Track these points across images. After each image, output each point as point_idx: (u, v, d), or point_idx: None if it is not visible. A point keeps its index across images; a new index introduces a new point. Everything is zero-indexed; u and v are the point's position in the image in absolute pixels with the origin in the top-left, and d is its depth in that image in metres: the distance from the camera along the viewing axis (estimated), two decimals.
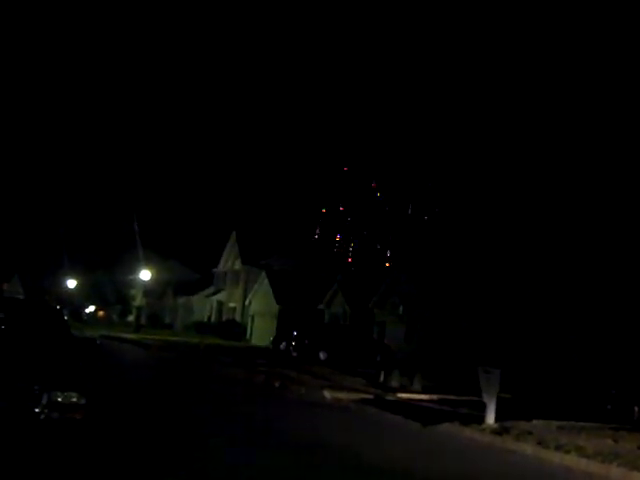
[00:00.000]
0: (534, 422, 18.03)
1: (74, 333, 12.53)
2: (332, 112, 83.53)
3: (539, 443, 15.22)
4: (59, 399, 9.29)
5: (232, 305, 66.78)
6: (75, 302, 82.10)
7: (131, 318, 75.59)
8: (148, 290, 76.90)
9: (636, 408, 21.16)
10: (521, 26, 48.56)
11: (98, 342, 11.86)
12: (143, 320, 70.03)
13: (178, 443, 12.17)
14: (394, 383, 26.70)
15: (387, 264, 47.78)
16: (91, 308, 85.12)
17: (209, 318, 68.66)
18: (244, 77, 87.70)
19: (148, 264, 66.31)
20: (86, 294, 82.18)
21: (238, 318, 63.91)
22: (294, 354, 40.59)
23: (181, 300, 76.29)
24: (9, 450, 9.11)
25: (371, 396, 23.24)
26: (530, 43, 46.58)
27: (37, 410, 9.22)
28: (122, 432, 12.69)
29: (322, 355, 38.63)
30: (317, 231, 62.96)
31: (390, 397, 23.62)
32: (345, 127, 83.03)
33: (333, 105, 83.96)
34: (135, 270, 70.21)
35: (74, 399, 9.36)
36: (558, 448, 14.73)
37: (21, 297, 56.38)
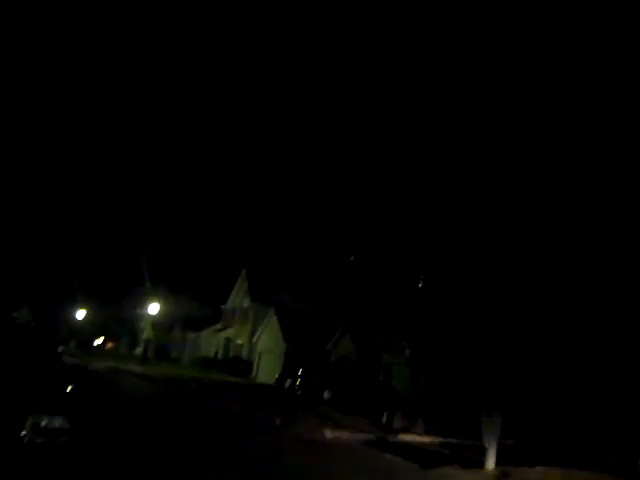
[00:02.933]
0: (537, 468, 17.66)
1: (67, 362, 12.43)
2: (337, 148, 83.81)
3: None
4: (43, 423, 9.18)
5: (239, 342, 66.49)
6: (84, 333, 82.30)
7: (139, 350, 75.53)
8: (157, 324, 76.95)
9: None
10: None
11: (89, 369, 11.70)
12: (150, 353, 69.82)
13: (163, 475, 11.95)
14: (397, 425, 26.41)
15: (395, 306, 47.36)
16: (100, 340, 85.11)
17: (216, 354, 68.40)
18: (255, 102, 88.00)
19: (158, 298, 66.40)
20: (95, 325, 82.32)
21: (245, 355, 63.58)
22: (298, 392, 40.29)
23: (189, 335, 76.11)
24: None
25: (372, 437, 22.96)
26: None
27: (22, 434, 9.10)
28: (106, 457, 12.50)
29: (326, 394, 38.28)
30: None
31: (392, 439, 23.33)
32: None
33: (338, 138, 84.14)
34: (144, 304, 70.29)
35: (58, 424, 9.25)
36: None
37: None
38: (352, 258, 57.57)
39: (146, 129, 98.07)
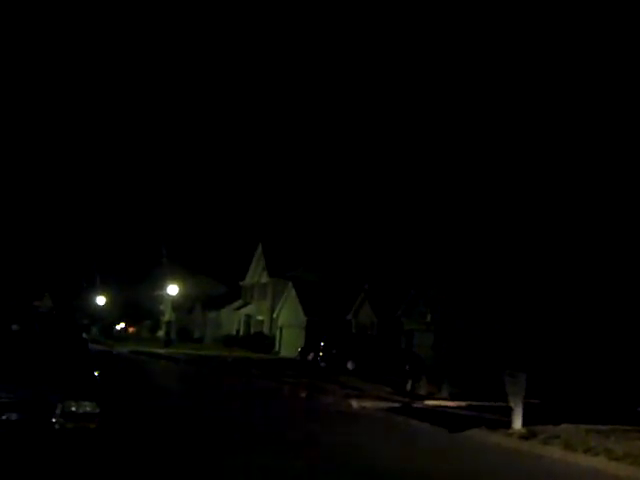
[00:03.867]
0: (562, 426, 17.67)
1: (92, 348, 12.56)
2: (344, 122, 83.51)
3: (567, 447, 14.93)
4: (73, 409, 9.28)
5: (260, 318, 66.78)
6: (105, 319, 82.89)
7: (161, 333, 76.03)
8: (177, 305, 77.34)
9: None
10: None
11: (114, 353, 11.82)
12: (173, 335, 70.27)
13: (195, 454, 12.08)
14: (422, 391, 26.51)
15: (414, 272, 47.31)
16: (121, 324, 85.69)
17: (237, 331, 68.73)
18: (264, 89, 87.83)
19: (176, 279, 66.66)
20: (116, 311, 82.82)
21: (266, 330, 63.89)
22: (322, 364, 40.46)
23: (210, 314, 76.47)
24: (25, 460, 9.14)
25: (398, 404, 23.05)
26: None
27: (52, 420, 9.21)
28: (137, 442, 12.67)
29: (350, 365, 38.46)
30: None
31: (417, 405, 23.41)
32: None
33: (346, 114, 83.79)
34: (163, 286, 70.60)
35: (88, 408, 9.34)
36: (586, 451, 14.44)
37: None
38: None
39: (160, 113, 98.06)
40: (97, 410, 9.39)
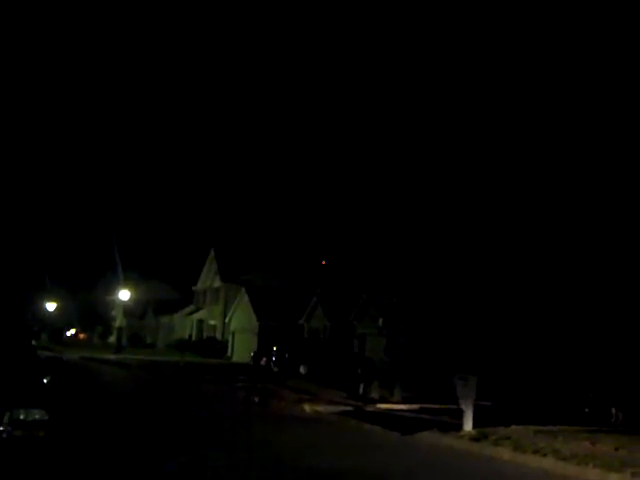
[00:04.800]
0: (512, 427, 17.94)
1: (41, 354, 12.42)
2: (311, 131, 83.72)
3: (516, 448, 15.14)
4: (21, 416, 9.17)
5: (213, 323, 66.54)
6: (55, 325, 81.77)
7: (112, 339, 75.25)
8: (129, 310, 76.61)
9: (613, 410, 21.21)
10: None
11: (64, 359, 11.70)
12: (124, 341, 69.63)
13: (144, 457, 12.02)
14: (374, 395, 26.62)
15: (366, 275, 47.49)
16: (72, 330, 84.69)
17: (190, 336, 68.37)
18: (210, 89, 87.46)
19: (128, 284, 66.11)
20: (67, 316, 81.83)
21: (219, 335, 63.67)
22: (275, 369, 40.46)
23: (162, 319, 75.99)
24: None
25: (351, 408, 23.15)
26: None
27: (0, 429, 9.09)
28: (86, 449, 12.56)
29: (302, 369, 38.52)
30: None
31: (370, 408, 23.52)
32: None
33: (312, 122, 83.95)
34: (115, 291, 69.94)
35: (37, 416, 9.24)
36: (535, 452, 14.66)
37: None
38: (324, 262, 57.39)
39: (112, 116, 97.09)
40: (46, 417, 9.29)
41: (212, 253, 67.34)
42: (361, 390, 27.50)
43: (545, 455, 14.32)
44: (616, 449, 15.25)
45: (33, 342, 12.67)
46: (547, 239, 33.54)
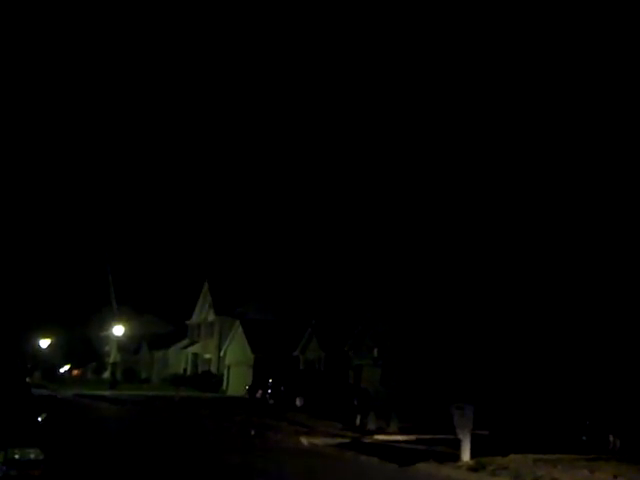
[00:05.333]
0: (511, 456, 17.86)
1: (35, 392, 12.33)
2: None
3: (515, 477, 15.09)
4: (16, 456, 9.07)
5: (207, 356, 66.26)
6: (49, 362, 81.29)
7: (107, 375, 74.78)
8: (123, 345, 76.17)
9: (611, 437, 21.12)
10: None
11: (58, 397, 11.61)
12: (119, 376, 69.21)
13: None
14: (371, 426, 26.49)
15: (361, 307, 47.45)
16: (66, 367, 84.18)
17: (185, 370, 68.07)
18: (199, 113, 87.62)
19: (122, 319, 65.89)
20: (60, 353, 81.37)
21: (214, 369, 63.38)
22: (270, 402, 40.25)
23: (157, 354, 75.62)
24: None
25: (348, 440, 23.01)
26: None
27: None
28: None
29: (298, 401, 38.34)
30: None
31: (367, 440, 23.39)
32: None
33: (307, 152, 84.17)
34: (109, 326, 69.65)
35: (32, 455, 9.14)
36: None
37: None
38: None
39: (105, 146, 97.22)
40: (41, 457, 9.19)
41: (206, 286, 67.23)
42: (358, 421, 27.40)
43: None
44: (615, 476, 15.20)
45: (27, 379, 12.58)
46: (537, 269, 33.52)
